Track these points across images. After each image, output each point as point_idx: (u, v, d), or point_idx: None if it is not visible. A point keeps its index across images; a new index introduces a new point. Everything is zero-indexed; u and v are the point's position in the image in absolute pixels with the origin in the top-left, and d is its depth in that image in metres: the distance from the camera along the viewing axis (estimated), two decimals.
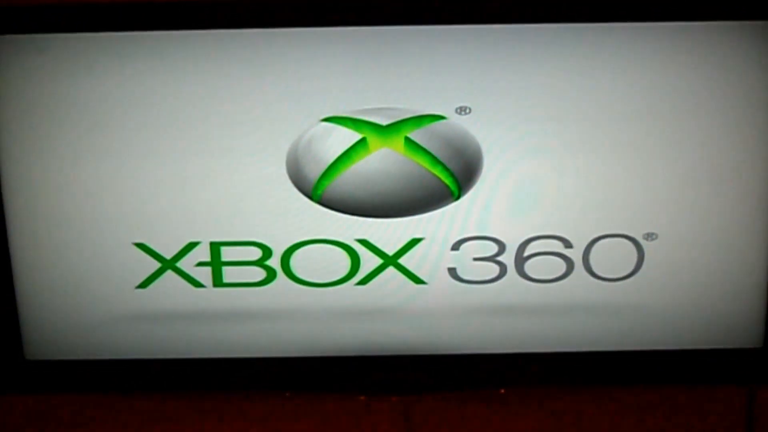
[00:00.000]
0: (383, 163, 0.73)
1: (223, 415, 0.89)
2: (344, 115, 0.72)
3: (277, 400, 0.88)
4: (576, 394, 0.88)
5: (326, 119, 0.72)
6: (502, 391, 0.84)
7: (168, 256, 0.77)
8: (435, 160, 0.73)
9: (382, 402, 0.88)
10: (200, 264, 0.77)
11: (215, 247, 0.76)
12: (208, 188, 0.74)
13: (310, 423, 0.89)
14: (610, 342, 0.81)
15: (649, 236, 0.76)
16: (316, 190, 0.74)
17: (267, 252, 0.77)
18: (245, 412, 0.89)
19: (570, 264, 0.77)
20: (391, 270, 0.78)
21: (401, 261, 0.78)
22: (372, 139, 0.72)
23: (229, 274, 0.78)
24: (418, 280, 0.78)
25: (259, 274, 0.78)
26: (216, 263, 0.77)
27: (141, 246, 0.76)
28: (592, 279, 0.78)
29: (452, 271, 0.78)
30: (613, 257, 0.77)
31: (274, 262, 0.77)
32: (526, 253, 0.77)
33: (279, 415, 0.89)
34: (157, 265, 0.77)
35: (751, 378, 0.83)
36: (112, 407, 0.89)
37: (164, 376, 0.82)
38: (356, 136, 0.72)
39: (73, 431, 0.90)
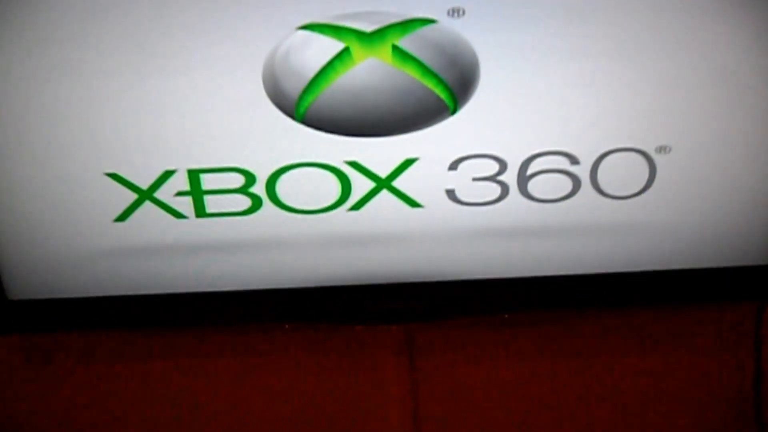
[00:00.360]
0: (370, 75, 0.63)
1: (218, 350, 0.82)
2: (323, 21, 0.61)
3: (274, 333, 0.82)
4: (583, 317, 0.81)
5: (303, 27, 0.61)
6: (507, 315, 0.77)
7: (144, 186, 0.68)
8: (427, 70, 0.62)
9: (383, 332, 0.82)
10: (180, 194, 0.69)
11: (194, 174, 0.67)
12: (180, 111, 0.65)
13: (310, 355, 0.82)
14: (618, 263, 0.74)
15: (662, 149, 0.68)
16: (298, 108, 0.63)
17: (250, 178, 0.68)
18: (241, 346, 0.83)
19: (577, 182, 0.69)
20: (384, 194, 0.70)
21: (395, 184, 0.69)
22: (356, 49, 0.61)
23: (212, 203, 0.69)
24: (414, 204, 0.70)
25: (244, 202, 0.69)
26: (196, 192, 0.68)
27: (114, 176, 0.68)
28: (600, 197, 0.70)
29: (450, 193, 0.70)
30: (622, 173, 0.69)
31: (258, 189, 0.69)
32: (529, 172, 0.69)
33: (277, 349, 0.83)
34: (134, 196, 0.69)
35: (762, 294, 0.76)
36: (99, 345, 0.83)
37: (152, 313, 0.75)
38: (338, 46, 0.62)
39: (59, 370, 0.83)
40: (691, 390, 0.81)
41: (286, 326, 0.80)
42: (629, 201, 0.70)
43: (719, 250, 0.73)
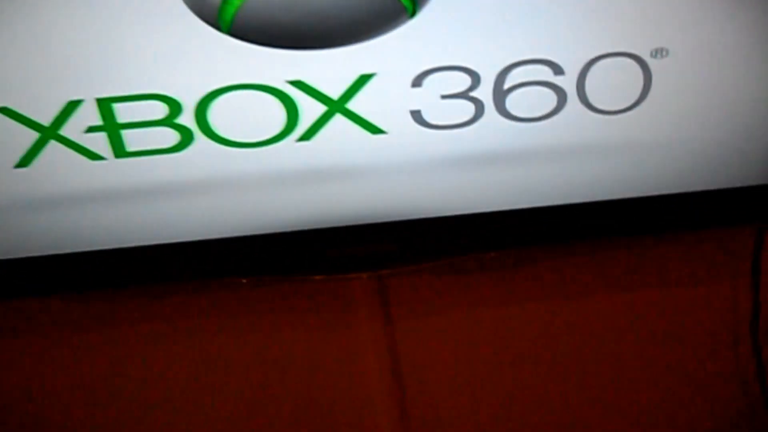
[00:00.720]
0: None
1: (163, 312, 0.73)
2: None
3: (228, 290, 0.72)
4: (572, 251, 0.74)
5: None
6: (492, 254, 0.70)
7: (46, 122, 0.56)
8: None
9: (352, 281, 0.73)
10: (92, 129, 0.56)
11: (105, 105, 0.55)
12: (81, 26, 0.52)
13: (271, 313, 0.73)
14: (610, 189, 0.65)
15: (658, 53, 0.58)
16: (223, 15, 0.51)
17: (175, 107, 0.56)
18: (191, 306, 0.73)
19: (562, 95, 0.59)
20: (339, 119, 0.58)
21: (350, 106, 0.58)
22: None
23: (133, 139, 0.57)
24: (374, 130, 0.59)
25: (172, 136, 0.58)
26: (111, 127, 0.57)
27: (5, 111, 0.55)
28: (589, 113, 0.60)
29: (416, 115, 0.59)
30: (614, 83, 0.59)
31: (187, 119, 0.57)
32: (506, 85, 0.58)
33: (233, 307, 0.73)
34: (35, 135, 0.56)
35: (763, 217, 0.69)
36: (16, 315, 0.71)
37: (73, 275, 0.64)
38: None
39: None
40: (685, 324, 0.75)
41: (244, 281, 0.71)
42: (622, 116, 0.61)
43: (720, 170, 0.65)
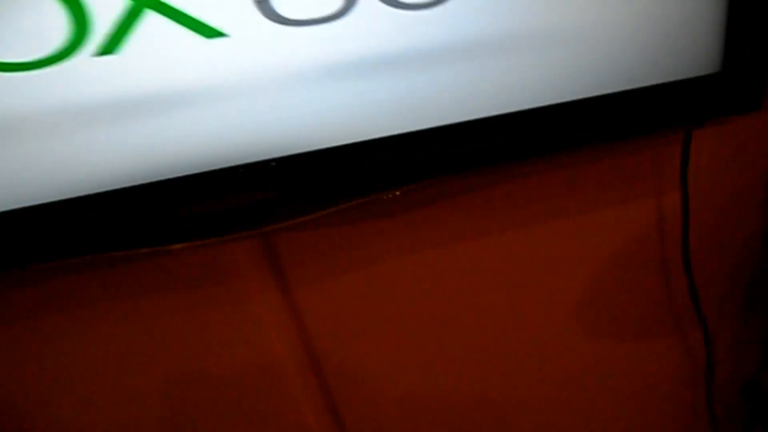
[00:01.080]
0: None
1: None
2: None
3: (76, 274, 0.53)
4: (486, 179, 0.60)
5: None
6: (397, 193, 0.53)
7: None
8: None
9: (231, 245, 0.56)
10: None
11: None
12: None
13: (140, 296, 0.56)
14: (520, 96, 0.50)
15: None
16: None
17: None
18: (34, 299, 0.54)
19: None
20: (154, 19, 0.40)
21: None
22: None
23: None
24: (210, 32, 0.41)
25: None
26: None
27: None
28: None
29: (264, 6, 0.42)
30: None
31: None
32: None
33: (91, 295, 0.55)
34: None
35: (693, 118, 0.56)
36: None
37: None
38: None
39: None
40: (610, 248, 0.66)
41: (88, 258, 0.52)
42: None
43: (640, 66, 0.51)
